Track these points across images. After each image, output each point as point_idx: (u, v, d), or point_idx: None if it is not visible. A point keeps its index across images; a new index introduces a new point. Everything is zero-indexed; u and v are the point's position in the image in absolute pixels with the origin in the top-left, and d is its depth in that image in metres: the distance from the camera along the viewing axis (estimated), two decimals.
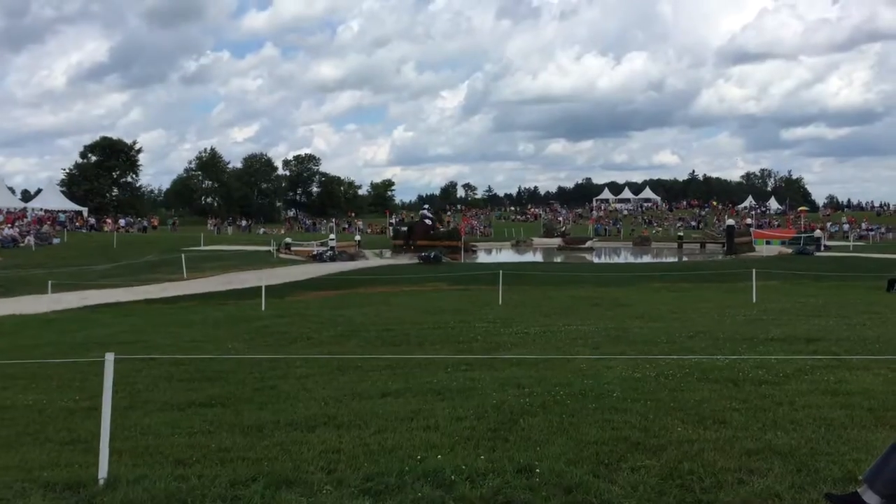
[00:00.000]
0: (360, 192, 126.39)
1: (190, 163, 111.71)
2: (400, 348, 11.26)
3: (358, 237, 50.52)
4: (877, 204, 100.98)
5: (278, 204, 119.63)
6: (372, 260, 41.94)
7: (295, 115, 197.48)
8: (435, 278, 27.69)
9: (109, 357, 5.26)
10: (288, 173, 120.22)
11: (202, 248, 47.64)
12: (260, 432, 6.25)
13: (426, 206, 59.89)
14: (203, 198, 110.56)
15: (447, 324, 14.36)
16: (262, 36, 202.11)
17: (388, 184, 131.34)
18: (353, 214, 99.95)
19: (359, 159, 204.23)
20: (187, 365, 9.99)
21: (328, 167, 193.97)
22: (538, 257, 46.73)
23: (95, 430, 5.46)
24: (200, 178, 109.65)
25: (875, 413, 6.32)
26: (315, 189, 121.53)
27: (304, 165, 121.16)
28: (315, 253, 42.62)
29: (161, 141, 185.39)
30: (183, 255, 33.24)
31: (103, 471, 5.03)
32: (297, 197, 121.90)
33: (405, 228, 48.89)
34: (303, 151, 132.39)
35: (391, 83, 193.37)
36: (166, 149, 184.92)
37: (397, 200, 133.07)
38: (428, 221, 46.91)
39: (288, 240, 48.99)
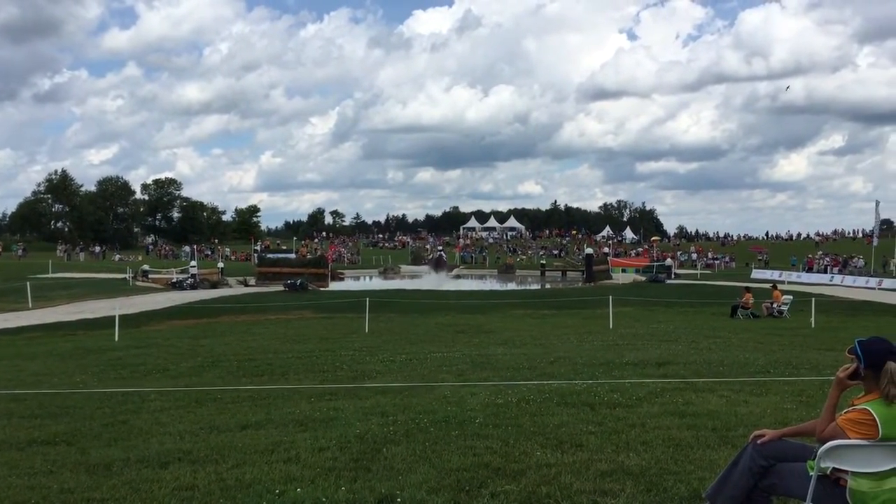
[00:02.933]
0: (225, 217, 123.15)
1: (38, 185, 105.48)
2: (262, 379, 10.98)
3: (221, 264, 49.15)
4: (721, 234, 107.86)
5: (136, 229, 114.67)
6: (235, 288, 40.85)
7: (157, 137, 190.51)
8: (300, 306, 27.26)
9: None
10: (147, 198, 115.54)
11: (50, 275, 44.94)
12: (108, 471, 5.91)
13: (440, 247, 78.15)
14: (53, 222, 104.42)
15: (312, 353, 14.15)
16: (124, 55, 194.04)
17: (253, 210, 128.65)
18: (216, 241, 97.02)
19: (224, 184, 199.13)
20: (29, 400, 9.34)
21: (192, 192, 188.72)
22: (404, 284, 46.89)
23: None
24: (50, 201, 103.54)
25: (719, 433, 6.68)
26: (176, 214, 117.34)
27: (165, 189, 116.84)
28: (174, 281, 41.10)
29: (8, 162, 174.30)
30: (28, 283, 31.20)
31: None
32: (157, 222, 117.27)
33: (432, 260, 63.11)
34: (164, 175, 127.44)
35: (259, 108, 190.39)
36: (14, 170, 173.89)
37: (263, 227, 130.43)
38: (443, 256, 66.12)
39: (145, 267, 47.02)
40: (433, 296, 33.18)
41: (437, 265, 59.02)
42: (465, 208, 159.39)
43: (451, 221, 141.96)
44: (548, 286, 49.12)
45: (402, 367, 11.84)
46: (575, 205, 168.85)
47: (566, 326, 20.56)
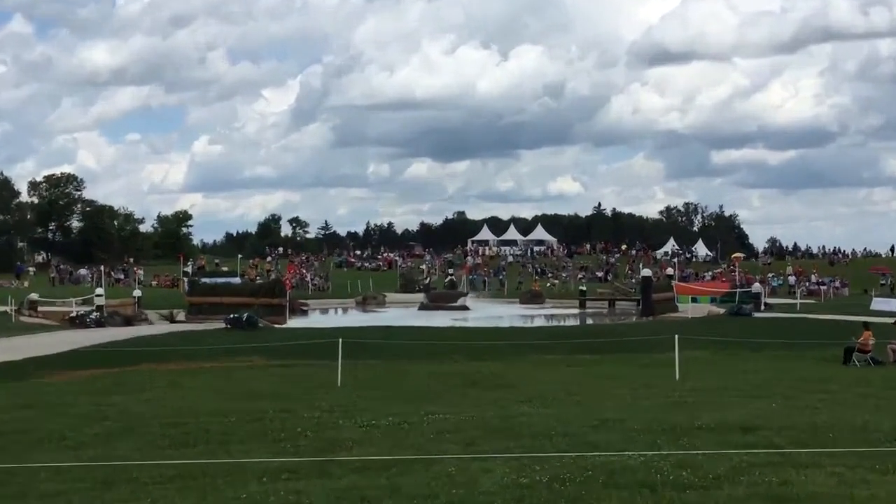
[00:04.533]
0: (143, 228, 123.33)
1: None
2: (195, 450, 10.99)
3: (138, 293, 49.19)
4: (829, 249, 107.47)
5: (21, 244, 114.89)
6: (158, 325, 40.86)
7: (51, 118, 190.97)
8: (248, 350, 27.26)
9: None
10: (36, 200, 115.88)
11: None
12: None
13: (451, 272, 78.08)
14: None
15: (264, 414, 14.17)
16: (6, 5, 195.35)
17: (183, 217, 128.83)
18: (130, 260, 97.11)
19: (143, 182, 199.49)
20: None
21: (97, 193, 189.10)
22: (392, 320, 46.86)
23: None
24: None
25: None
26: (76, 223, 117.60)
27: (61, 190, 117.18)
28: (74, 315, 41.15)
29: None
30: None
31: None
32: (50, 234, 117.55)
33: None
34: (60, 170, 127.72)
35: (192, 77, 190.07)
36: None
37: (196, 241, 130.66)
38: (455, 282, 65.96)
39: (33, 296, 47.05)
40: (431, 335, 33.12)
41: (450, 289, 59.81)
42: (475, 214, 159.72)
43: (455, 233, 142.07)
44: (589, 322, 48.97)
45: (388, 434, 11.85)
46: (626, 209, 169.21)
47: (615, 377, 20.56)
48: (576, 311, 56.70)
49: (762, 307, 49.32)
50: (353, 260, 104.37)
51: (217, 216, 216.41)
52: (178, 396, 17.49)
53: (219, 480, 8.93)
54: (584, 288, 63.88)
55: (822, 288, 70.23)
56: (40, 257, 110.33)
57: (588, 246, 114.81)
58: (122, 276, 78.91)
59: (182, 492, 8.43)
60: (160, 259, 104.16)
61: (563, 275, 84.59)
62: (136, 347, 28.21)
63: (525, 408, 14.80)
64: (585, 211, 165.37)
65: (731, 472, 8.58)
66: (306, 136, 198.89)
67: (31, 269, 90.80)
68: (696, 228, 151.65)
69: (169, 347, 28.24)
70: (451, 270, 76.35)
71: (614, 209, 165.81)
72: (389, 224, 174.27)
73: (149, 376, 21.90)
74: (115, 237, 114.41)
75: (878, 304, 51.22)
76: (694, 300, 51.76)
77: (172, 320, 42.85)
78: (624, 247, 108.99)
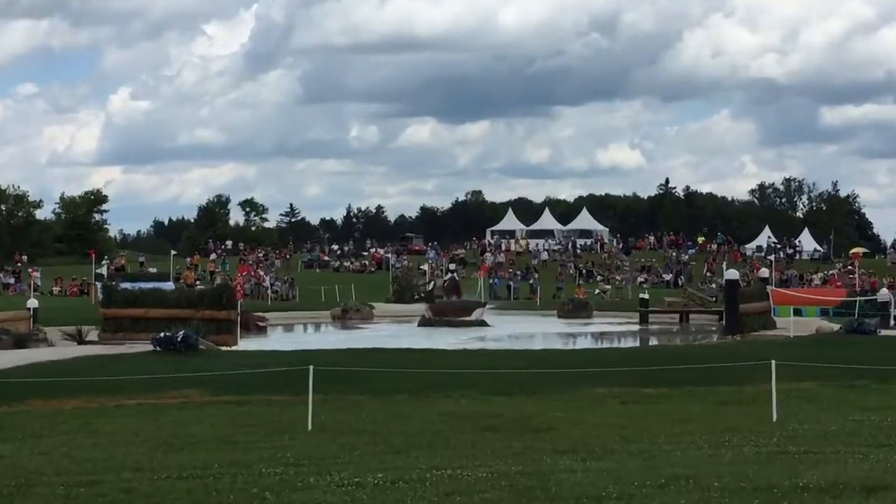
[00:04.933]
0: (41, 214, 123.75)
1: None
2: None
3: (33, 303, 49.42)
4: None
5: None
6: (61, 346, 41.00)
7: None
8: (184, 381, 27.39)
9: None
10: None
11: None
12: None
13: (453, 267, 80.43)
14: None
15: (206, 470, 14.24)
16: None
17: (95, 198, 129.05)
18: (24, 258, 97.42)
19: (40, 152, 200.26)
20: None
21: None
22: (383, 340, 47.07)
23: None
24: None
25: None
26: None
27: None
28: None
29: None
30: None
31: None
32: None
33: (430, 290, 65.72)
34: None
35: (107, 7, 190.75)
36: None
37: (114, 232, 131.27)
38: (457, 279, 67.29)
39: None
40: (436, 361, 33.19)
41: (450, 295, 59.43)
42: (497, 195, 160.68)
43: (469, 220, 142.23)
44: (653, 342, 49.03)
45: (377, 497, 11.93)
46: (705, 188, 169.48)
47: (687, 419, 20.65)
48: (635, 327, 56.86)
49: (891, 322, 49.38)
50: (328, 258, 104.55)
51: (142, 198, 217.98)
52: (88, 445, 17.56)
53: None
54: (647, 296, 63.81)
55: None
56: None
57: (652, 238, 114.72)
58: (11, 281, 79.27)
59: None
60: (64, 257, 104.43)
61: (618, 278, 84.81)
62: (30, 378, 28.33)
63: (565, 460, 14.88)
64: (648, 190, 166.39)
65: None
66: (265, 88, 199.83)
67: None
68: (800, 214, 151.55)
69: (76, 378, 28.39)
70: (453, 266, 75.15)
71: (687, 188, 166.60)
72: (379, 208, 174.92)
73: (48, 416, 22.06)
74: (3, 227, 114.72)
75: None
76: (798, 312, 51.79)
77: (81, 341, 42.95)
78: (701, 240, 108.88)
